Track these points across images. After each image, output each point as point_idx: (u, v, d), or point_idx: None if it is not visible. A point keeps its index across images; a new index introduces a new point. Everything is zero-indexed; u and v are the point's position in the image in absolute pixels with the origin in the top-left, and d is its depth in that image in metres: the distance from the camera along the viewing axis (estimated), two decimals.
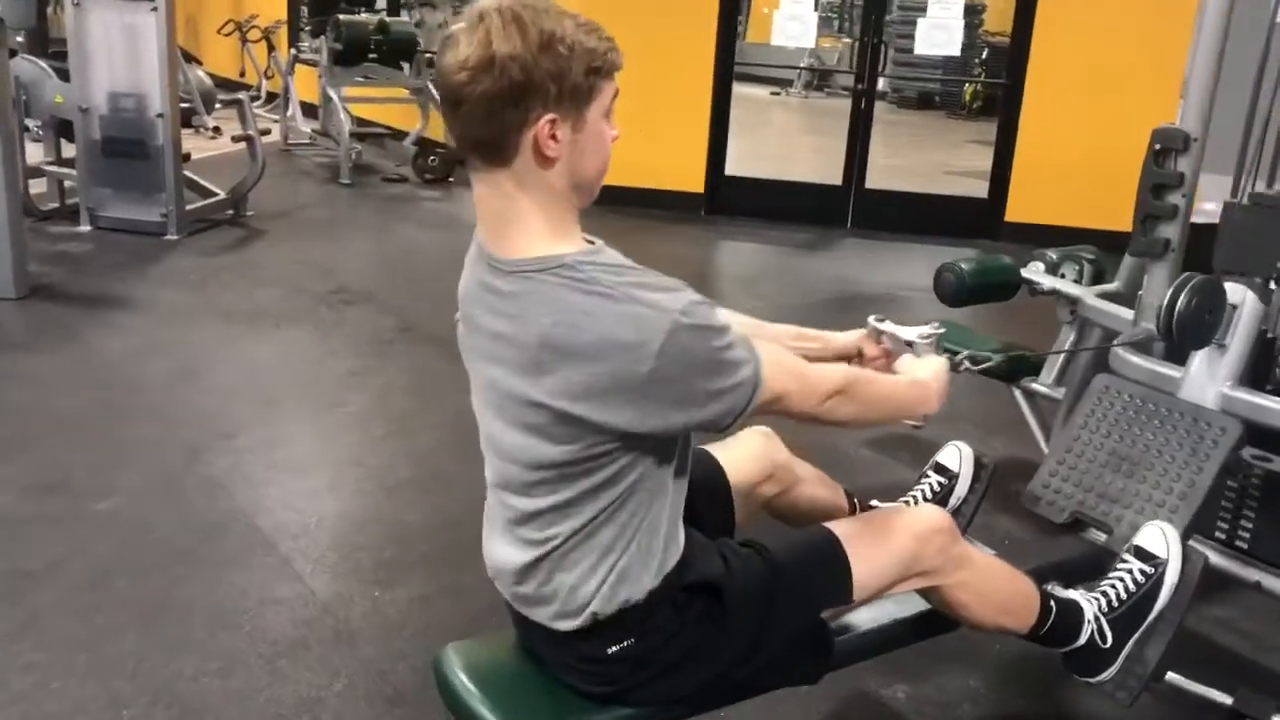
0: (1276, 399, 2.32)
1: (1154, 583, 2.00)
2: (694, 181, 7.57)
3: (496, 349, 1.48)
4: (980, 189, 7.50)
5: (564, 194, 1.46)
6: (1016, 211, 7.18)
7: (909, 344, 1.92)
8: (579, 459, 1.45)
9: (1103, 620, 1.96)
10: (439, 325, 4.64)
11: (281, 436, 3.76)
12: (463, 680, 1.64)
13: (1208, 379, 2.39)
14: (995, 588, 1.83)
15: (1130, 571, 2.02)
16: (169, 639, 2.55)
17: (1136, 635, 1.98)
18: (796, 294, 5.96)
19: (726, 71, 7.41)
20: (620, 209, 7.15)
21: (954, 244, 7.06)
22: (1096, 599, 1.99)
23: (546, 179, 1.44)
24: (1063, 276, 3.42)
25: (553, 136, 1.40)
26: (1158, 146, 2.67)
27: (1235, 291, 2.38)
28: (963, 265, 3.37)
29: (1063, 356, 3.42)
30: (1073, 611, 1.94)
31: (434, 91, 6.84)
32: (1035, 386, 3.43)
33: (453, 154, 8.02)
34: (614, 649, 1.56)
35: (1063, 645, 1.95)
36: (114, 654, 2.48)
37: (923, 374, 1.82)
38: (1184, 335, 2.27)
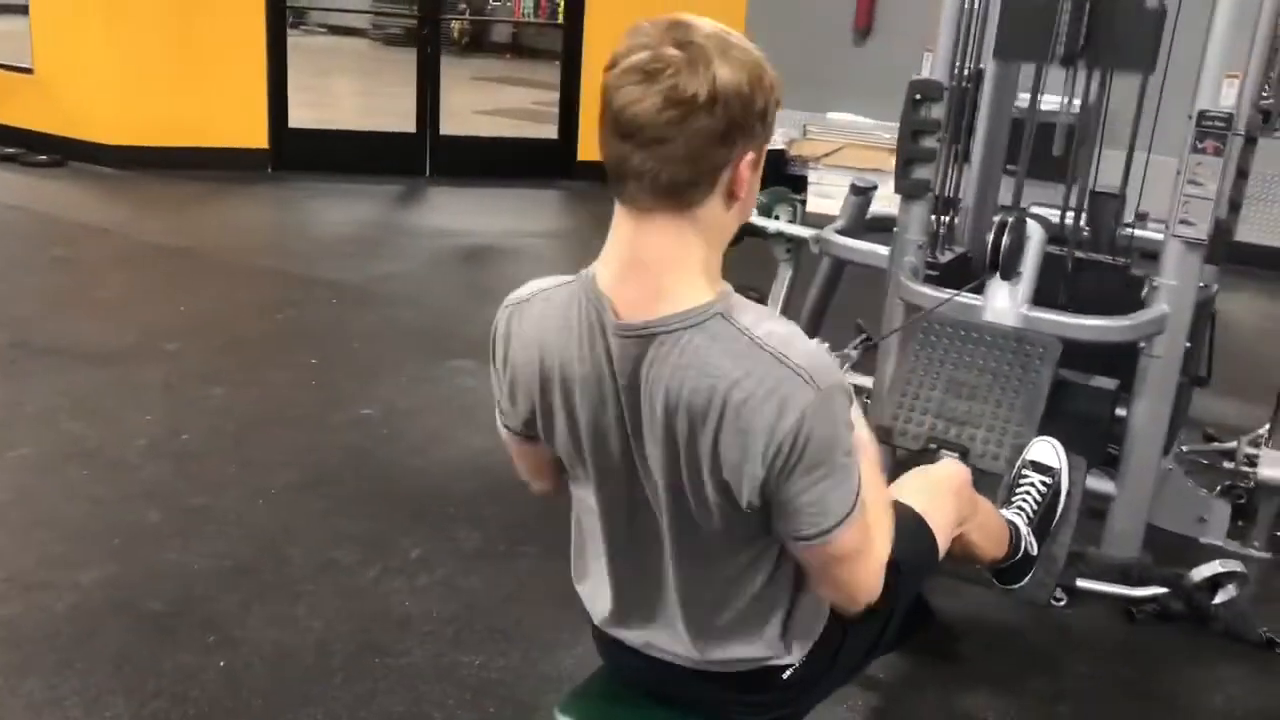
0: (1070, 315, 2.70)
1: (1054, 491, 2.27)
2: (256, 136, 6.98)
3: (646, 428, 1.32)
4: (513, 128, 7.60)
5: (729, 236, 1.33)
6: (589, 151, 7.43)
7: None
8: (756, 536, 1.37)
9: (1030, 532, 2.20)
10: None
11: None
12: None
13: (1008, 304, 2.71)
14: (994, 524, 1.99)
15: (1034, 485, 2.27)
16: None
17: (1046, 539, 2.25)
18: (410, 255, 5.75)
19: (279, 15, 6.88)
20: (173, 173, 6.52)
21: (535, 187, 7.21)
22: (1020, 513, 2.22)
23: (723, 221, 1.30)
24: (777, 218, 3.65)
25: (745, 175, 1.27)
26: (916, 96, 2.93)
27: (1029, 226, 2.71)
28: None
29: (783, 294, 3.68)
30: (1019, 531, 2.15)
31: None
32: None
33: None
34: (786, 675, 1.50)
35: (1013, 561, 2.16)
36: None
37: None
38: (1009, 268, 2.57)
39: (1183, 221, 2.71)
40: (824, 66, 7.08)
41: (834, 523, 1.30)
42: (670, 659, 1.51)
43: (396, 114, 7.62)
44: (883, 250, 3.14)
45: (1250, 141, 2.68)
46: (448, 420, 3.63)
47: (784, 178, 7.30)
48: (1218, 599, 2.75)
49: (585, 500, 1.47)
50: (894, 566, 1.62)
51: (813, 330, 3.55)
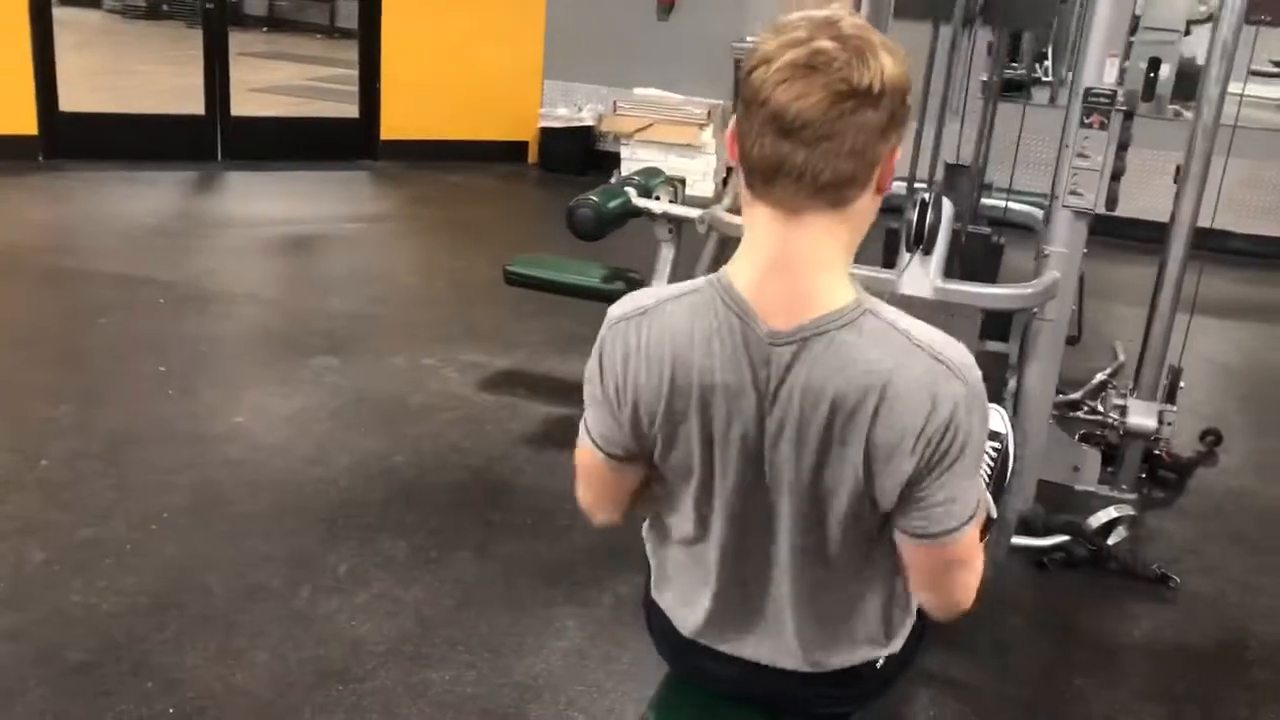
0: (981, 286, 2.83)
1: (1003, 455, 2.38)
2: (22, 122, 6.36)
3: (788, 434, 1.29)
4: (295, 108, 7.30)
5: (868, 228, 1.31)
6: (391, 129, 7.18)
7: None
8: (881, 534, 1.37)
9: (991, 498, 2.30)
10: None
11: None
12: None
13: (924, 277, 2.81)
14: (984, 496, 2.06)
15: (987, 452, 2.37)
16: None
17: (1000, 503, 2.36)
18: (227, 248, 5.42)
19: None
20: None
21: (337, 169, 6.92)
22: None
23: (868, 215, 1.27)
24: (658, 199, 3.65)
25: (892, 167, 1.26)
26: None
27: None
28: (594, 198, 3.44)
29: (668, 272, 3.69)
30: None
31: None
32: None
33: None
34: (879, 665, 1.52)
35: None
36: None
37: None
38: (929, 245, 2.67)
39: (1072, 192, 2.90)
40: (629, 42, 7.11)
41: (959, 523, 1.31)
42: (765, 662, 1.50)
43: (163, 94, 7.11)
44: None
45: (1128, 116, 2.89)
46: (334, 424, 3.44)
47: (593, 154, 7.32)
48: (1111, 540, 2.98)
49: (683, 514, 1.43)
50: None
51: None
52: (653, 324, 1.32)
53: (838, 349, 1.24)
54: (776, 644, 1.47)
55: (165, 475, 3.04)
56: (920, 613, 1.55)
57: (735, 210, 3.48)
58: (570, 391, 3.83)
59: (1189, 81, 3.47)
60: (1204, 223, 3.25)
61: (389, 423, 3.48)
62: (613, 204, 3.45)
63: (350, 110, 7.35)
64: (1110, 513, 2.97)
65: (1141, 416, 3.28)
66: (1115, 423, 3.32)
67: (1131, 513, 2.99)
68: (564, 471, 3.23)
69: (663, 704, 1.58)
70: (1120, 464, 3.35)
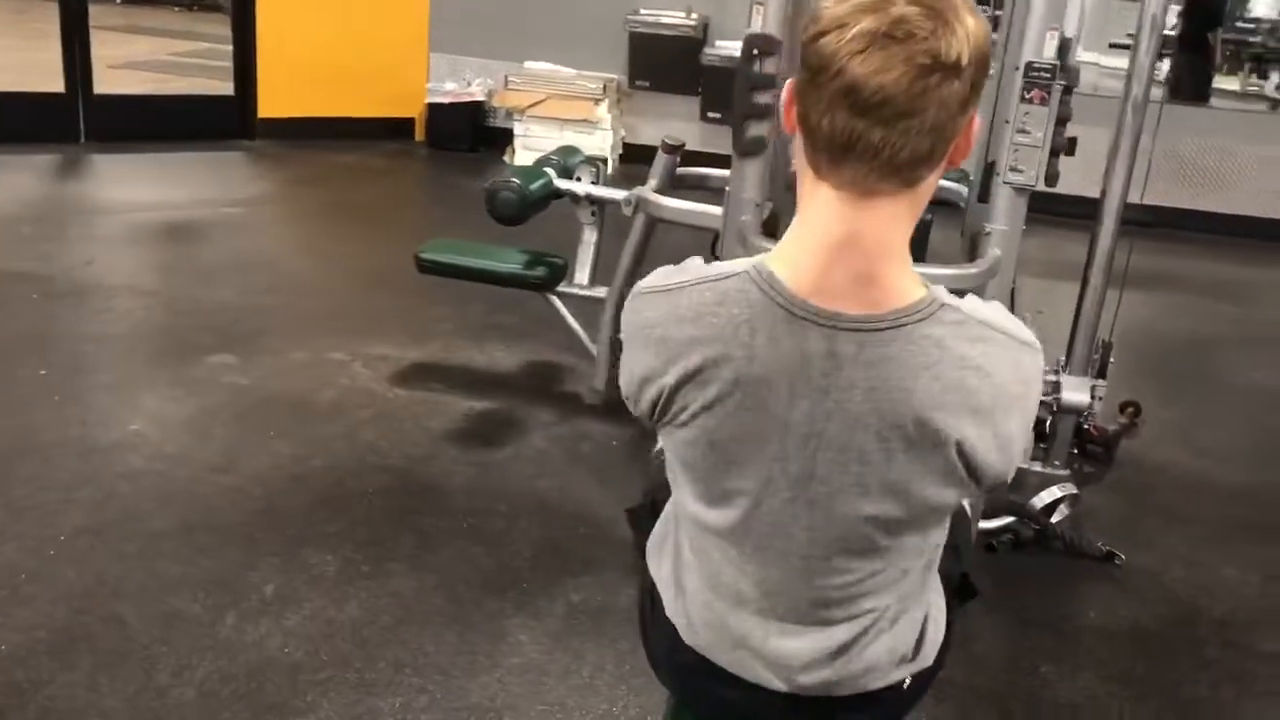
0: (924, 265, 2.75)
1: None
2: None
3: (841, 431, 1.19)
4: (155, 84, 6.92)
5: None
6: (269, 107, 6.82)
7: None
8: (928, 529, 1.28)
9: None
10: None
11: None
12: None
13: None
14: None
15: None
16: None
17: None
18: (100, 236, 5.06)
19: None
20: None
21: (212, 149, 6.57)
22: None
23: (930, 192, 1.16)
24: (579, 180, 3.50)
25: (969, 140, 1.15)
26: (753, 51, 2.86)
27: None
28: (515, 180, 3.27)
29: (592, 256, 3.55)
30: None
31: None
32: (573, 290, 3.52)
33: None
34: (905, 685, 1.42)
35: None
36: None
37: None
38: None
39: (1012, 169, 2.84)
40: (519, 14, 6.89)
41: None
42: (782, 686, 1.37)
43: (10, 70, 6.60)
44: (714, 210, 3.07)
45: (1068, 91, 2.84)
46: (239, 428, 3.20)
47: (484, 131, 7.09)
48: (1055, 519, 2.97)
49: (700, 515, 1.30)
50: (955, 551, 1.58)
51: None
52: (683, 301, 1.20)
53: (922, 345, 1.14)
54: (797, 651, 1.34)
55: (60, 492, 2.78)
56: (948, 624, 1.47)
57: (663, 190, 3.36)
58: (491, 382, 3.66)
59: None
60: (1088, 193, 3.25)
61: (299, 424, 3.25)
62: (535, 185, 3.28)
63: (224, 87, 6.96)
64: (1054, 492, 2.96)
65: (1075, 392, 3.27)
66: (1049, 399, 3.31)
67: (1074, 491, 2.98)
68: (495, 469, 3.11)
69: None
70: (1052, 440, 3.34)
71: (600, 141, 6.63)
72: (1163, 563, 2.92)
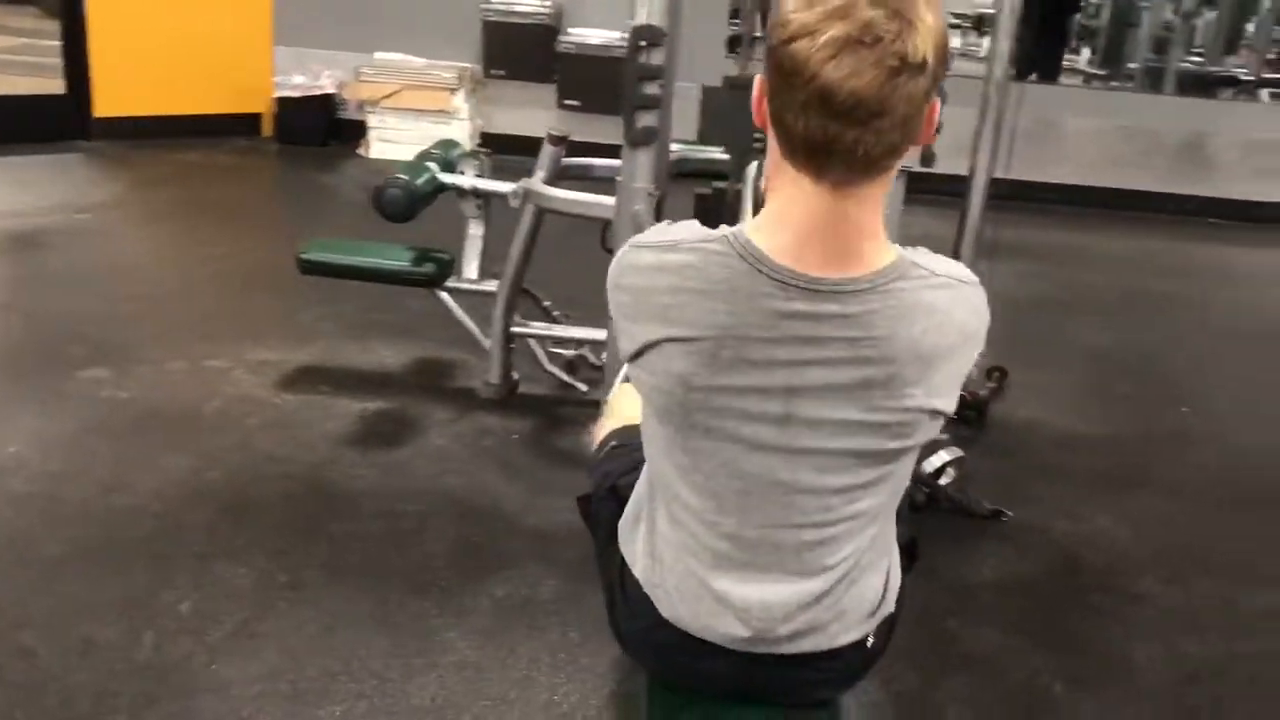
0: None
1: None
2: None
3: (821, 377, 1.26)
4: None
5: None
6: (106, 106, 6.51)
7: None
8: (899, 462, 1.35)
9: None
10: None
11: None
12: None
13: None
14: None
15: None
16: None
17: None
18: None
19: None
20: None
21: (43, 151, 6.23)
22: None
23: (896, 169, 1.24)
24: (463, 173, 3.48)
25: (931, 123, 1.23)
26: (640, 42, 2.90)
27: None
28: (402, 176, 3.24)
29: (479, 251, 3.54)
30: None
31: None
32: (462, 285, 3.50)
33: None
34: (869, 644, 1.50)
35: None
36: None
37: None
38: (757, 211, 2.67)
39: None
40: (367, 5, 6.75)
41: None
42: (756, 647, 1.42)
43: None
44: (606, 200, 3.10)
45: None
46: (124, 444, 3.08)
47: (336, 124, 6.94)
48: (943, 482, 3.12)
49: (678, 475, 1.36)
50: (899, 515, 1.66)
51: (520, 284, 3.44)
52: (671, 261, 1.28)
53: (899, 299, 1.25)
54: (772, 601, 1.40)
55: None
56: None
57: (550, 182, 3.37)
58: (381, 382, 3.62)
59: None
60: (955, 170, 3.41)
61: (187, 436, 3.15)
62: (421, 181, 3.25)
63: (52, 85, 6.60)
64: (943, 456, 3.10)
65: None
66: None
67: (961, 454, 3.13)
68: (398, 469, 3.08)
69: (657, 706, 1.49)
70: None
71: (458, 132, 6.56)
72: (1045, 518, 3.10)
